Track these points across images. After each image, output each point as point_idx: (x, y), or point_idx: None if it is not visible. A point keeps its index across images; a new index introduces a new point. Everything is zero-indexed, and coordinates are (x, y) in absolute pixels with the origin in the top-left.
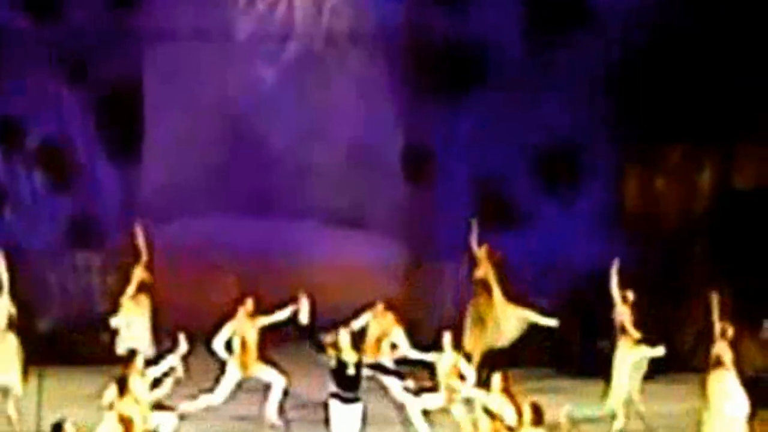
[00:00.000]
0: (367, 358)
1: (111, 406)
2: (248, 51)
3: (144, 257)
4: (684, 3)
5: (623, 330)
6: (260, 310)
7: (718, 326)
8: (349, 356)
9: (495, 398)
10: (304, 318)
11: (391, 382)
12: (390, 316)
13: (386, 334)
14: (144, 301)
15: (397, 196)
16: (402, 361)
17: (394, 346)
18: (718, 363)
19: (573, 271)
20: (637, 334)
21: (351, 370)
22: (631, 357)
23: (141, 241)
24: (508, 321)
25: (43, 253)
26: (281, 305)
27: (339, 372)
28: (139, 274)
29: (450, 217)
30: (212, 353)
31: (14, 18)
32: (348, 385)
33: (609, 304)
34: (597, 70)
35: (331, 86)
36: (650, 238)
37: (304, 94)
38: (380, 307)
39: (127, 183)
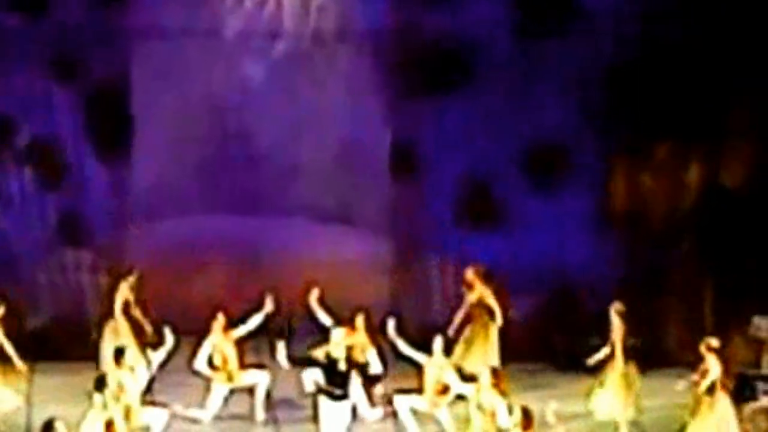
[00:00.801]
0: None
1: (105, 406)
2: (236, 49)
3: (132, 276)
4: (673, 0)
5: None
6: (248, 308)
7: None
8: (339, 353)
9: (487, 395)
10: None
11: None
12: (364, 336)
13: (360, 352)
14: (122, 326)
15: (385, 193)
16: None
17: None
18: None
19: (561, 267)
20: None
21: (341, 366)
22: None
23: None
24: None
25: (33, 251)
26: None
27: (329, 369)
28: (124, 292)
29: (437, 214)
30: (196, 374)
31: (3, 16)
32: (337, 381)
33: (596, 300)
34: (585, 69)
35: (319, 84)
36: (638, 235)
37: (292, 92)
38: (359, 320)
39: (117, 181)
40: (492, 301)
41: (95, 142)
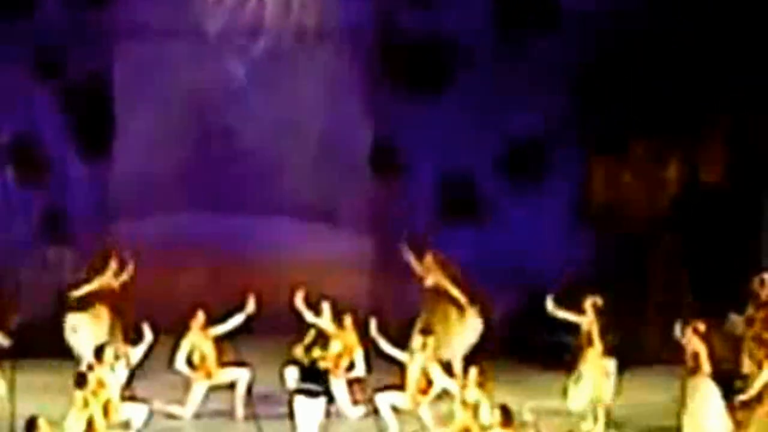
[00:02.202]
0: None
1: (86, 403)
2: (218, 48)
3: (114, 265)
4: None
5: (589, 341)
6: (229, 306)
7: (689, 326)
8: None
9: (472, 392)
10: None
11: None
12: (353, 336)
13: (348, 352)
14: (102, 311)
15: (367, 191)
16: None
17: (351, 366)
18: (695, 366)
19: (538, 265)
20: (601, 347)
21: (318, 364)
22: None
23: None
24: (462, 332)
25: (15, 248)
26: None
27: (306, 365)
28: (104, 280)
29: (419, 212)
30: (176, 372)
31: None
32: (314, 378)
33: (573, 298)
34: (564, 67)
35: (300, 82)
36: (616, 233)
37: (274, 91)
38: (348, 321)
39: (99, 179)
40: (449, 286)
41: (77, 140)
